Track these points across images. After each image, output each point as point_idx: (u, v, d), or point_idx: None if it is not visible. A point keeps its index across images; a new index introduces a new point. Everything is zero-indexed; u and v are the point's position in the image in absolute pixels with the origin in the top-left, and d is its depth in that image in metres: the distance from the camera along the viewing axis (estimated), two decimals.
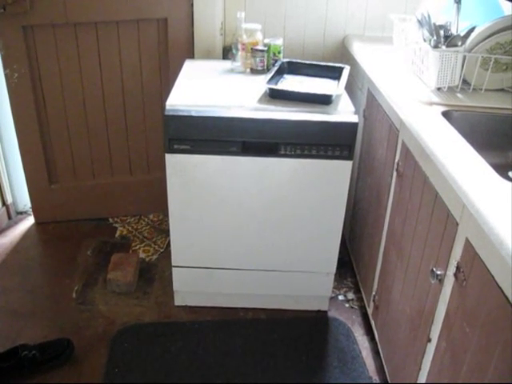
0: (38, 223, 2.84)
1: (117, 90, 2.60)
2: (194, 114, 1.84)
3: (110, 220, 2.88)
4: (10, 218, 2.86)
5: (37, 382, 1.91)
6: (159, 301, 2.31)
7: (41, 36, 2.39)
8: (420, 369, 1.51)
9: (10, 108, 2.53)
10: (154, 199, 2.82)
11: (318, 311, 2.29)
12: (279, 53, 2.26)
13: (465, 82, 1.86)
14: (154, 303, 2.29)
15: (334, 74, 2.14)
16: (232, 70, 2.26)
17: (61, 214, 2.84)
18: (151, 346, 2.05)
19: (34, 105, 2.52)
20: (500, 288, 1.03)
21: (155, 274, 2.49)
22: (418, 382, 1.53)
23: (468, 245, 1.20)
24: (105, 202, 2.86)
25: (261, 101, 1.92)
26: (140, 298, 2.34)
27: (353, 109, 1.90)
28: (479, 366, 1.14)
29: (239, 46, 2.24)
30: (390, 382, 1.86)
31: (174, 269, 2.18)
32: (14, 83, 2.44)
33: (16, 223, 2.85)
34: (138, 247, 2.67)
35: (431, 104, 1.74)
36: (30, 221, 2.87)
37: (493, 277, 1.07)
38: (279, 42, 2.25)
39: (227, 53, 2.53)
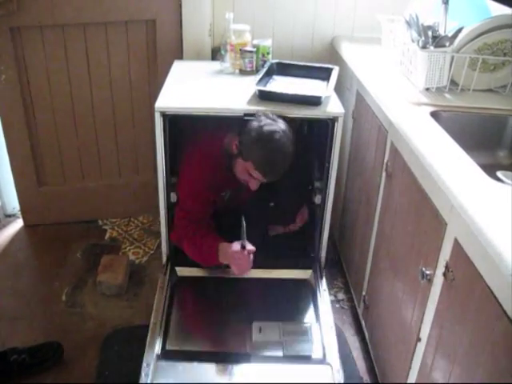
0: (26, 226, 2.82)
1: (105, 91, 2.59)
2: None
3: (100, 222, 2.87)
4: None
5: None
6: (150, 303, 2.29)
7: (28, 38, 2.37)
8: (410, 368, 1.52)
9: None
10: (143, 201, 2.81)
11: None
12: (268, 53, 2.25)
13: (453, 82, 1.87)
14: (145, 305, 2.28)
15: (323, 74, 2.14)
16: (221, 71, 2.26)
17: (50, 216, 2.82)
18: (142, 348, 2.04)
19: (23, 107, 2.50)
20: (488, 287, 1.04)
21: (145, 275, 2.48)
22: (408, 381, 1.54)
23: (457, 245, 1.20)
24: (94, 204, 2.84)
25: (250, 102, 1.92)
26: (130, 300, 2.33)
27: (342, 110, 1.90)
28: (469, 364, 1.15)
29: (228, 47, 2.23)
30: (380, 382, 1.86)
31: None
32: (1, 85, 2.42)
33: (5, 226, 2.83)
34: (127, 249, 2.66)
35: (420, 104, 1.75)
36: (18, 224, 2.85)
37: (481, 276, 1.08)
38: (268, 42, 2.25)
39: (216, 54, 2.52)
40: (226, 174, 1.90)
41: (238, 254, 1.85)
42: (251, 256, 1.85)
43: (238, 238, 1.88)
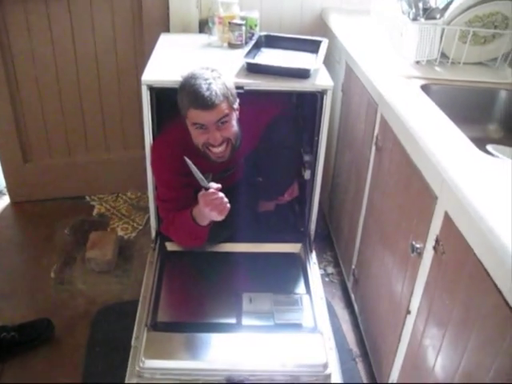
0: (13, 203, 2.80)
1: (91, 64, 2.54)
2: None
3: (87, 198, 2.85)
4: None
5: (17, 364, 1.90)
6: (139, 278, 2.28)
7: (11, 10, 2.32)
8: (399, 341, 1.53)
9: None
10: (131, 176, 2.78)
11: None
12: (256, 26, 2.22)
13: (443, 55, 1.86)
14: (134, 281, 2.28)
15: (312, 47, 2.11)
16: (209, 45, 2.22)
17: (37, 192, 2.79)
18: (132, 323, 2.04)
19: (6, 82, 2.45)
20: (479, 260, 1.04)
21: (134, 251, 2.48)
22: (398, 353, 1.55)
23: (447, 218, 1.20)
24: (81, 180, 2.82)
25: (239, 75, 1.89)
26: (120, 276, 2.33)
27: (331, 83, 1.88)
28: (459, 337, 1.16)
29: (216, 20, 2.20)
30: (370, 353, 1.89)
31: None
32: None
33: None
34: (116, 225, 2.65)
35: (410, 77, 1.74)
36: (5, 200, 2.82)
37: (472, 249, 1.08)
38: (255, 14, 2.21)
39: (203, 27, 2.48)
40: (200, 158, 1.84)
41: (206, 197, 1.75)
42: (220, 193, 1.76)
43: (230, 220, 1.85)
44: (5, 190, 2.84)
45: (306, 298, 1.90)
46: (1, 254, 2.45)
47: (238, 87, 1.82)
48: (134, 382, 1.60)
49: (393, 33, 1.99)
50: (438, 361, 1.26)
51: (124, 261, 2.41)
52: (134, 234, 2.59)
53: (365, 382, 1.89)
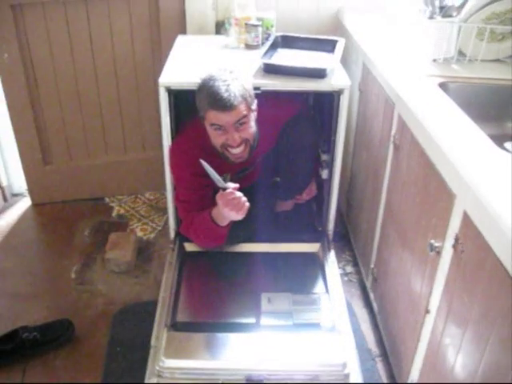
0: (34, 205, 2.84)
1: (109, 67, 2.57)
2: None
3: (107, 199, 2.88)
4: (5, 200, 2.84)
5: (39, 364, 1.93)
6: (158, 279, 2.31)
7: (30, 15, 2.35)
8: (419, 340, 1.53)
9: (2, 89, 2.50)
10: (149, 177, 2.81)
11: None
12: (272, 27, 2.23)
13: (460, 53, 1.85)
14: (154, 281, 2.30)
15: (328, 47, 2.11)
16: (226, 46, 2.23)
17: (57, 194, 2.83)
18: (152, 323, 2.05)
19: (26, 85, 2.49)
20: (498, 259, 1.04)
21: (153, 252, 2.49)
22: (417, 353, 1.55)
23: (466, 217, 1.20)
24: (100, 181, 2.85)
25: (256, 76, 1.90)
26: (139, 277, 2.34)
27: (349, 82, 1.88)
28: (479, 336, 1.15)
29: (232, 21, 2.20)
30: (389, 353, 1.88)
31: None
32: (4, 63, 2.41)
33: (12, 205, 2.84)
34: (135, 226, 2.67)
35: (427, 76, 1.73)
36: (26, 203, 2.86)
37: (491, 248, 1.07)
38: (271, 15, 2.22)
39: (220, 28, 2.50)
40: (218, 158, 1.86)
41: (224, 197, 1.75)
42: (237, 193, 1.76)
43: (249, 220, 1.86)
44: (26, 192, 2.88)
45: (324, 297, 1.90)
46: (22, 255, 2.48)
47: (254, 88, 1.82)
48: (154, 381, 1.61)
49: (409, 31, 1.99)
50: (459, 360, 1.26)
51: (143, 261, 2.43)
52: (153, 235, 2.61)
53: (384, 381, 1.89)
